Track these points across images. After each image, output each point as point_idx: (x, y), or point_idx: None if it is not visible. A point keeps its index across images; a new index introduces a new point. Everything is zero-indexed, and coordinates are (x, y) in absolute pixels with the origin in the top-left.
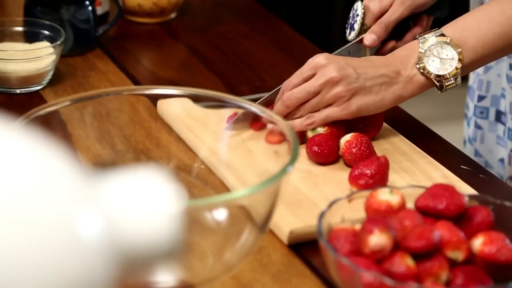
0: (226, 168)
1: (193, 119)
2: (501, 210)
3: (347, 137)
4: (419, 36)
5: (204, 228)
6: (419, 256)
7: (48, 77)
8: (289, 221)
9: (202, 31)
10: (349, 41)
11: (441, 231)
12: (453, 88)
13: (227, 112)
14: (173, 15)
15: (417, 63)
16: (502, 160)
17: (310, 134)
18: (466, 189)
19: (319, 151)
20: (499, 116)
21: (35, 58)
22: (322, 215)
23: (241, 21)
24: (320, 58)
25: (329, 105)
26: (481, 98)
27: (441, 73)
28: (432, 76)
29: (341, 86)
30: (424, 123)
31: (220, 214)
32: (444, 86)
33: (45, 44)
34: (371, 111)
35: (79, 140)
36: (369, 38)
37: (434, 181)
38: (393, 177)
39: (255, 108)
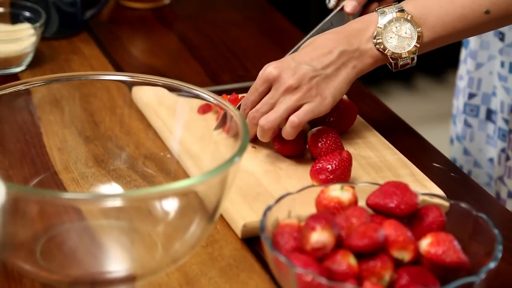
0: (189, 158)
1: (164, 107)
2: (457, 210)
3: (314, 130)
4: (378, 9)
5: (155, 218)
6: (363, 255)
7: (28, 60)
8: (244, 215)
9: (194, 18)
10: (331, 10)
11: (387, 230)
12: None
13: (199, 102)
14: (167, 1)
15: (375, 38)
16: (491, 159)
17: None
18: (431, 188)
19: (285, 143)
20: (489, 115)
21: (14, 39)
22: (268, 210)
23: (235, 8)
24: (269, 69)
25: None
26: (471, 95)
27: (397, 51)
28: (388, 53)
29: (303, 87)
30: (413, 121)
31: (171, 204)
32: (398, 64)
33: (26, 25)
34: (344, 91)
35: (47, 125)
36: (349, 5)
37: (400, 178)
38: (359, 173)
39: (208, 96)
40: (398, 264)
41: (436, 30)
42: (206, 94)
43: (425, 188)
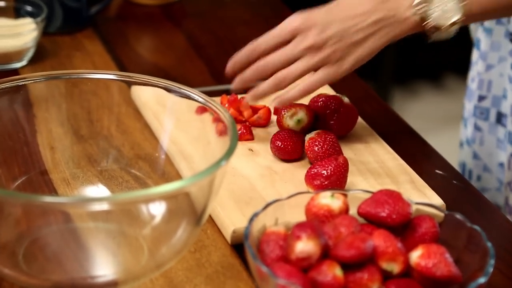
0: (183, 160)
1: (162, 107)
2: (452, 221)
3: (312, 134)
4: None
5: (143, 221)
6: (351, 266)
7: (29, 55)
8: (234, 220)
9: (203, 15)
10: None
11: (376, 240)
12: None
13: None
14: None
15: (417, 6)
16: (502, 164)
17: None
18: (431, 196)
19: (282, 146)
20: (500, 118)
21: (15, 34)
22: (255, 216)
23: (245, 6)
24: (297, 20)
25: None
26: (481, 98)
27: (440, 22)
28: (429, 23)
29: (327, 49)
30: (441, 121)
31: (159, 207)
32: (433, 36)
33: (27, 20)
34: (365, 61)
35: (42, 123)
36: None
37: (399, 185)
38: (357, 179)
39: (198, 97)
40: (387, 276)
41: (481, 3)
42: (196, 94)
43: (424, 196)
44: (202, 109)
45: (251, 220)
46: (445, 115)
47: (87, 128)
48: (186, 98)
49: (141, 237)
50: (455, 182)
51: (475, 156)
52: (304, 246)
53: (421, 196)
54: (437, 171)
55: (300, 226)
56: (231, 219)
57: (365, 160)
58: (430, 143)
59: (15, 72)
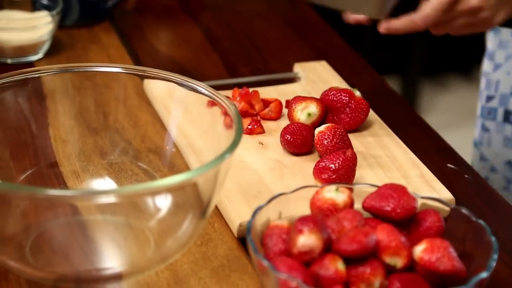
0: (192, 153)
1: (173, 100)
2: (457, 215)
3: (321, 127)
4: None
5: (150, 213)
6: (353, 260)
7: (45, 48)
8: (241, 213)
9: (220, 8)
10: None
11: (379, 235)
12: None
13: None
14: None
15: None
16: (509, 162)
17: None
18: (440, 190)
19: (292, 140)
20: (507, 116)
21: (30, 27)
22: (258, 209)
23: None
24: None
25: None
26: (489, 98)
27: None
28: None
29: (485, 13)
30: (472, 115)
31: (165, 200)
32: None
33: (43, 13)
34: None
35: (54, 116)
36: None
37: (409, 179)
38: (366, 172)
39: (208, 92)
40: (390, 271)
41: None
42: (203, 88)
43: (433, 190)
44: (212, 103)
45: (255, 213)
46: (475, 109)
47: (99, 121)
48: (194, 91)
49: (147, 229)
50: (466, 176)
51: (482, 157)
52: (306, 240)
53: (430, 190)
54: (448, 165)
55: (302, 220)
56: (238, 213)
57: (375, 154)
58: (458, 137)
59: (31, 65)
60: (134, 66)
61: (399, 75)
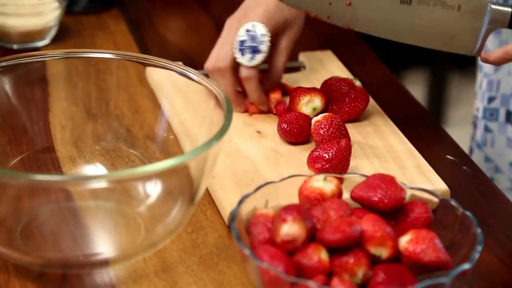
0: (188, 140)
1: (173, 88)
2: (446, 207)
3: (318, 117)
4: None
5: (140, 200)
6: (337, 250)
7: (51, 34)
8: (233, 202)
9: None
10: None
11: (364, 225)
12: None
13: None
14: None
15: None
16: None
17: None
18: (435, 181)
19: (288, 129)
20: (509, 117)
21: (37, 13)
22: (245, 198)
23: None
24: None
25: None
26: (491, 99)
27: None
28: None
29: None
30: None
31: (154, 186)
32: None
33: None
34: None
35: (56, 101)
36: None
37: (405, 170)
38: (362, 162)
39: (193, 75)
40: (376, 261)
41: None
42: (198, 76)
43: (428, 181)
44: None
45: (241, 201)
46: None
47: (99, 108)
48: (191, 80)
49: (138, 216)
50: (464, 168)
51: (487, 159)
52: (289, 228)
53: (425, 181)
54: (447, 156)
55: (286, 208)
56: (230, 201)
57: (373, 144)
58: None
59: (37, 50)
60: (136, 53)
61: (428, 67)
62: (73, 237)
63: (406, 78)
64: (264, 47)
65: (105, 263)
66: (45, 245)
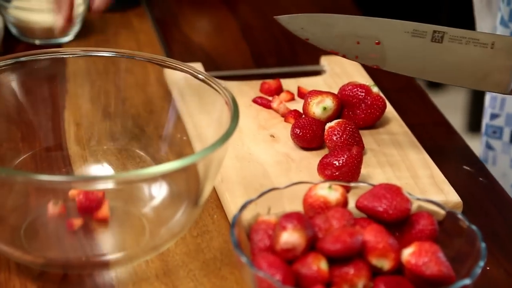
0: (199, 142)
1: (190, 90)
2: (452, 219)
3: (332, 123)
4: None
5: (146, 201)
6: (338, 260)
7: (75, 30)
8: (239, 206)
9: None
10: None
11: (366, 235)
12: None
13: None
14: None
15: None
16: None
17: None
18: (448, 192)
19: (301, 134)
20: None
21: None
22: (247, 203)
23: None
24: None
25: None
26: (493, 116)
27: None
28: None
29: None
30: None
31: (160, 187)
32: None
33: None
34: None
35: (72, 98)
36: None
37: (417, 180)
38: (375, 171)
39: (215, 85)
40: (377, 273)
41: None
42: (211, 81)
43: (441, 192)
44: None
45: (243, 207)
46: None
47: (116, 106)
48: (205, 83)
49: (144, 217)
50: (481, 179)
51: None
52: (289, 237)
53: (438, 192)
54: (464, 166)
55: (287, 216)
56: (236, 205)
57: (388, 152)
58: None
59: (59, 47)
60: (154, 55)
61: None
62: (77, 238)
63: (448, 86)
64: None
65: (106, 264)
66: (47, 245)
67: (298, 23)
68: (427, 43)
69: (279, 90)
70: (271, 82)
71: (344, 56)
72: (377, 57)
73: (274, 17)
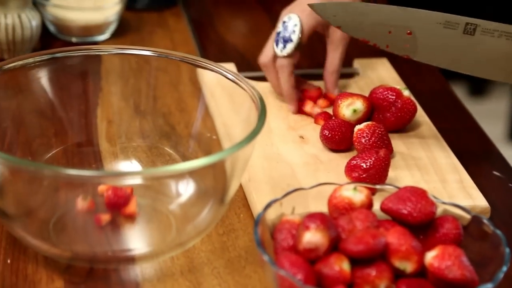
0: (228, 142)
1: (221, 89)
2: (477, 224)
3: (361, 125)
4: None
5: (174, 198)
6: (361, 261)
7: (111, 29)
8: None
9: None
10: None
11: (390, 238)
12: None
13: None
14: None
15: None
16: None
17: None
18: (476, 197)
19: (330, 136)
20: None
21: (97, 8)
22: (272, 202)
23: None
24: None
25: None
26: None
27: None
28: None
29: None
30: None
31: (186, 185)
32: None
33: None
34: None
35: (106, 96)
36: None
37: (446, 184)
38: (402, 174)
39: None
40: (400, 275)
41: None
42: (242, 82)
43: (469, 197)
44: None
45: (267, 206)
46: None
47: (148, 104)
48: (235, 84)
49: (171, 214)
50: (510, 185)
51: None
52: (312, 237)
53: (466, 197)
54: (494, 172)
55: (310, 216)
56: (263, 204)
57: (416, 155)
58: None
59: (96, 45)
60: (186, 54)
61: None
62: (104, 232)
63: (491, 92)
64: (295, 37)
65: (132, 259)
66: (75, 239)
67: (331, 10)
68: (459, 35)
69: (319, 98)
70: (312, 91)
71: (374, 45)
72: (408, 47)
73: (308, 4)
